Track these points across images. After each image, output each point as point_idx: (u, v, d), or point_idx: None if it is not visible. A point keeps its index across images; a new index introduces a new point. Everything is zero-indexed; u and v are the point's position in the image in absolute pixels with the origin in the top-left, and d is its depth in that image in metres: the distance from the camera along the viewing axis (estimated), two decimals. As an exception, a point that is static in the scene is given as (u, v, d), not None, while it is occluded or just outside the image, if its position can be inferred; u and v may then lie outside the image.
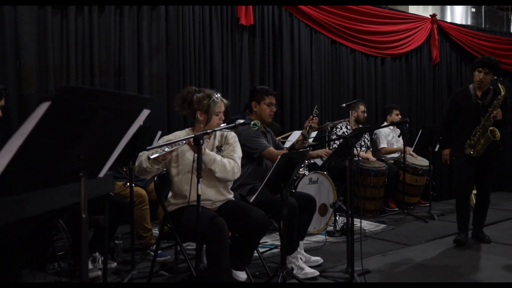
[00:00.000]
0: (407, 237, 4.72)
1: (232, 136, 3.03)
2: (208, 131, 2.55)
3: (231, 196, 3.10)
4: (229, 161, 2.89)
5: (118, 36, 5.26)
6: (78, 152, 1.34)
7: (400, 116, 6.63)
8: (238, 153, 3.00)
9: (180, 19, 5.68)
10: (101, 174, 1.63)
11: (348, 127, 5.99)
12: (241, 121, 2.74)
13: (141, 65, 5.43)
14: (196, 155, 2.49)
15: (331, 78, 7.32)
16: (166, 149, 2.54)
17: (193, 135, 2.42)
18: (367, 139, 6.19)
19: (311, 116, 3.82)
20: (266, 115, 3.70)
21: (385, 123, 6.68)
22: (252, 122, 2.72)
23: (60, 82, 4.88)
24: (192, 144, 2.52)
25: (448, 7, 9.37)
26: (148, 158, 2.63)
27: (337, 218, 4.90)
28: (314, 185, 4.83)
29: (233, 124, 2.72)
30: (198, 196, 2.41)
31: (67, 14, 4.88)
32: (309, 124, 3.79)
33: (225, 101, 3.01)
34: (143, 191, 3.93)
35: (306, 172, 4.76)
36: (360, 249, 3.46)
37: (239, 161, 2.97)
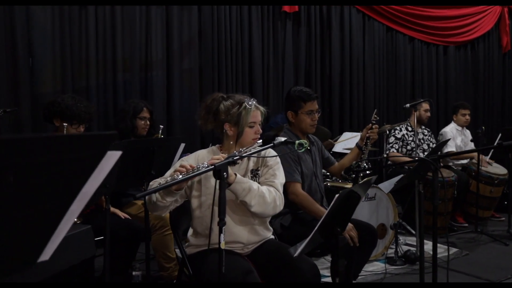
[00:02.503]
0: (487, 269, 3.84)
1: (272, 155, 2.31)
2: (235, 158, 1.82)
3: (269, 234, 2.37)
4: (269, 189, 2.17)
5: (144, 27, 4.65)
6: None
7: (467, 117, 5.66)
8: (281, 178, 2.26)
9: (215, 6, 4.99)
10: (45, 257, 0.96)
11: (409, 128, 5.12)
12: (282, 139, 2.00)
13: (171, 59, 4.81)
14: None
15: (386, 70, 6.47)
16: (180, 176, 1.83)
17: (213, 166, 1.71)
18: (432, 142, 5.29)
19: (370, 124, 3.01)
20: (306, 126, 2.92)
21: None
22: (298, 142, 1.97)
23: (79, 79, 4.32)
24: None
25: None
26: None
27: (399, 241, 4.08)
28: (371, 202, 4.04)
29: (272, 144, 1.99)
30: (220, 252, 1.69)
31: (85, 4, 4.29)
32: (367, 135, 3.00)
33: (261, 108, 2.27)
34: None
35: (362, 187, 3.96)
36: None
37: (281, 189, 2.23)
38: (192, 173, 1.80)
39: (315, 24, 5.76)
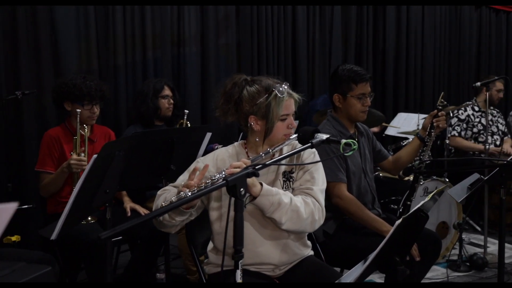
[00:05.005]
0: None
1: (309, 153, 1.84)
2: (257, 168, 1.36)
3: (307, 251, 1.92)
4: (305, 201, 1.71)
5: (176, -1, 4.21)
6: None
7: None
8: (320, 183, 1.79)
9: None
10: None
11: (476, 109, 4.46)
12: (324, 136, 1.53)
13: (206, 34, 4.36)
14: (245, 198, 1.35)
15: (448, 43, 5.77)
16: (189, 194, 1.43)
17: (224, 181, 1.26)
18: (501, 123, 4.60)
19: (436, 110, 2.45)
20: (356, 112, 2.40)
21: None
22: (344, 141, 1.49)
23: (106, 58, 3.96)
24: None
25: None
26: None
27: (463, 241, 3.52)
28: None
29: (310, 144, 1.52)
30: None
31: (111, -24, 3.90)
32: (431, 122, 2.45)
33: (295, 96, 1.78)
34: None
35: (421, 180, 3.41)
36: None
37: (322, 198, 1.77)
38: (203, 189, 1.37)
39: (368, -8, 5.14)
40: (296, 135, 1.68)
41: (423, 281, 2.59)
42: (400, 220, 1.28)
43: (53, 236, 1.57)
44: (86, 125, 2.69)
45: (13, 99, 3.24)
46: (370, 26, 5.20)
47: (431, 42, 5.54)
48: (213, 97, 1.83)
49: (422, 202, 1.40)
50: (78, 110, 2.61)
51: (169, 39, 4.19)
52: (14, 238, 2.69)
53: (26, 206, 3.30)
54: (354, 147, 1.47)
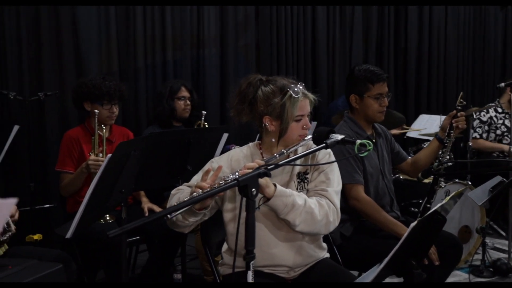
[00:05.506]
0: None
1: (325, 154, 1.82)
2: (269, 168, 1.35)
3: (323, 253, 1.90)
4: (319, 203, 1.69)
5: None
6: None
7: None
8: (335, 184, 1.77)
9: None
10: None
11: (499, 110, 4.35)
12: (339, 137, 1.51)
13: (225, 35, 4.37)
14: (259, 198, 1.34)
15: (472, 43, 5.64)
16: (198, 192, 1.43)
17: (236, 181, 1.25)
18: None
19: (455, 111, 2.40)
20: (374, 113, 2.37)
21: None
22: (359, 142, 1.47)
23: (126, 59, 4.01)
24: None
25: None
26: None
27: (486, 246, 3.44)
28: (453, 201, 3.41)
29: (324, 144, 1.51)
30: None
31: (131, -23, 3.94)
32: (451, 123, 2.40)
33: (310, 96, 1.76)
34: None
35: (442, 183, 3.34)
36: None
37: (337, 200, 1.74)
38: (215, 188, 1.37)
39: (389, -10, 5.08)
40: (311, 136, 1.67)
41: (444, 285, 2.53)
42: (415, 222, 1.25)
43: (68, 235, 1.59)
44: (105, 125, 2.72)
45: (36, 100, 3.31)
46: (391, 25, 5.14)
47: (454, 41, 5.43)
48: (229, 97, 1.83)
49: (439, 205, 1.37)
50: (96, 110, 2.64)
51: (188, 40, 4.22)
52: (36, 237, 2.74)
53: (48, 206, 3.37)
54: (369, 147, 1.45)
